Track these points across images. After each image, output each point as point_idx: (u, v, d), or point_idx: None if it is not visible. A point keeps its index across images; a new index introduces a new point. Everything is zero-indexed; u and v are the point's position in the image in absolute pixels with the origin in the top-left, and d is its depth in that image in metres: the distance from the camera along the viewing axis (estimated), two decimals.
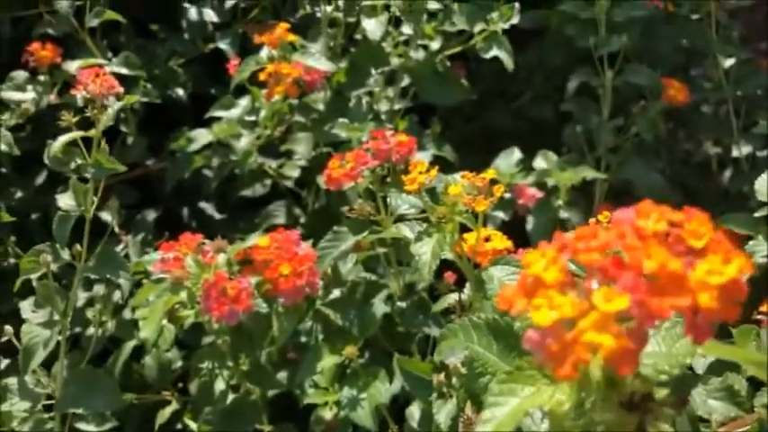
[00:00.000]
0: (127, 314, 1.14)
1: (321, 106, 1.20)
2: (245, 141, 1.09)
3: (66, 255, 0.80)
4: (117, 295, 1.14)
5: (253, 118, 1.13)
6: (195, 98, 1.59)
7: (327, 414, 0.84)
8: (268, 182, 1.27)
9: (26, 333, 0.77)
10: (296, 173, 1.22)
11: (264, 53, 1.00)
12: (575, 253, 0.32)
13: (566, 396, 0.33)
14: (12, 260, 1.27)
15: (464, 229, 0.71)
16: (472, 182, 0.63)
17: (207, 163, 1.34)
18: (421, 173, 0.66)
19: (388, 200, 0.81)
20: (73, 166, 0.80)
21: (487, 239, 0.69)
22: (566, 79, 1.34)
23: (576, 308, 0.30)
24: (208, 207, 1.55)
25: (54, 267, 0.81)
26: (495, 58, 1.19)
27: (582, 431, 0.32)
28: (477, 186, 0.62)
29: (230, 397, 0.86)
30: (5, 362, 1.18)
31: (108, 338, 1.14)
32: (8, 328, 0.82)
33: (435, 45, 1.22)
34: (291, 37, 0.98)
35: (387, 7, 1.13)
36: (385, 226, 0.78)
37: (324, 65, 0.98)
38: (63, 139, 0.79)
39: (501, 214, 1.05)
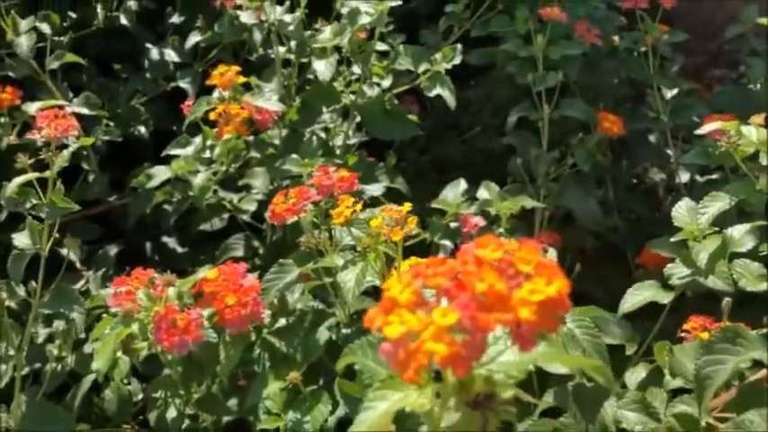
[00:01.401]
0: (87, 348, 1.16)
1: (277, 142, 1.26)
2: (201, 177, 1.14)
3: (21, 291, 0.83)
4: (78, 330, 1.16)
5: (207, 155, 1.18)
6: (157, 135, 1.63)
7: None
8: (225, 216, 1.31)
9: None
10: (253, 206, 1.27)
11: (216, 94, 1.05)
12: (425, 278, 0.38)
13: (427, 399, 0.39)
14: None
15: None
16: (390, 214, 0.68)
17: (167, 198, 1.38)
18: (348, 207, 0.72)
19: (333, 232, 0.86)
20: (28, 206, 0.83)
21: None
22: (509, 112, 1.42)
23: (421, 323, 0.36)
24: (170, 241, 1.59)
25: (11, 304, 0.84)
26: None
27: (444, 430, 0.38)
28: (395, 218, 0.68)
29: (185, 424, 0.89)
30: None
31: (68, 373, 1.17)
32: None
33: (386, 83, 1.28)
34: (241, 79, 1.04)
35: (337, 49, 1.19)
36: (329, 257, 0.83)
37: (273, 105, 1.03)
38: (18, 180, 0.82)
39: (448, 243, 1.11)
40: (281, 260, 0.84)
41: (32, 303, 0.86)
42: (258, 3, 1.43)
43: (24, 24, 1.24)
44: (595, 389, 0.69)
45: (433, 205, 1.16)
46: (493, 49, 1.45)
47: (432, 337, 0.35)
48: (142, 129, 1.58)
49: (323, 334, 0.83)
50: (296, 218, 0.81)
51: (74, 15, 1.60)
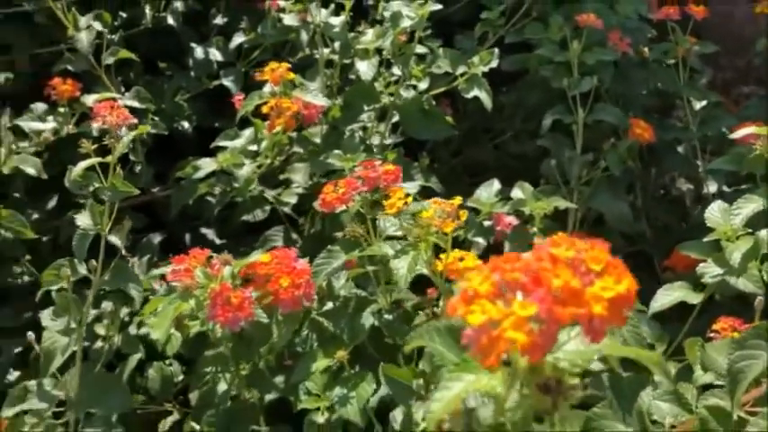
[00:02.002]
0: (132, 330, 1.22)
1: (318, 139, 1.31)
2: (246, 170, 1.19)
3: (83, 269, 0.88)
4: (123, 312, 1.22)
5: (254, 148, 1.23)
6: (198, 130, 1.70)
7: (319, 418, 0.92)
8: (267, 208, 1.36)
9: (46, 339, 0.85)
10: (294, 199, 1.32)
11: (267, 89, 1.11)
12: (502, 272, 0.42)
13: (498, 382, 0.43)
14: (26, 278, 1.36)
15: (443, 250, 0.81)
16: (442, 207, 0.72)
17: (209, 190, 1.44)
18: (400, 199, 0.76)
19: (378, 222, 0.90)
20: (91, 189, 0.89)
21: (461, 259, 0.78)
22: (541, 117, 1.46)
23: (500, 312, 0.40)
24: (209, 232, 1.64)
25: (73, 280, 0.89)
26: (478, 98, 1.31)
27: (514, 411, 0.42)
28: (446, 211, 0.72)
29: (228, 403, 0.94)
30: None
31: (114, 353, 1.22)
32: (30, 335, 0.90)
33: (423, 85, 1.33)
34: (291, 75, 1.09)
35: (379, 51, 1.24)
36: (376, 246, 0.88)
37: (320, 100, 1.08)
38: (83, 164, 0.88)
39: (481, 240, 1.15)
40: (329, 246, 0.88)
41: (93, 281, 0.91)
42: (301, 6, 1.50)
43: (83, 21, 1.31)
44: (632, 379, 0.72)
45: (468, 204, 1.20)
46: (526, 54, 1.49)
47: (512, 326, 0.39)
48: (185, 124, 1.65)
49: (367, 318, 0.87)
50: (344, 206, 0.86)
51: (124, 15, 1.68)
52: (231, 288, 0.82)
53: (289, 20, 1.49)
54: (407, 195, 0.78)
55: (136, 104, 1.38)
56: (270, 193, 1.41)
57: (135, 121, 0.92)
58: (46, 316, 0.92)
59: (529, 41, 1.51)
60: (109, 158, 0.89)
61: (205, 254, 0.88)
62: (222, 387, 0.89)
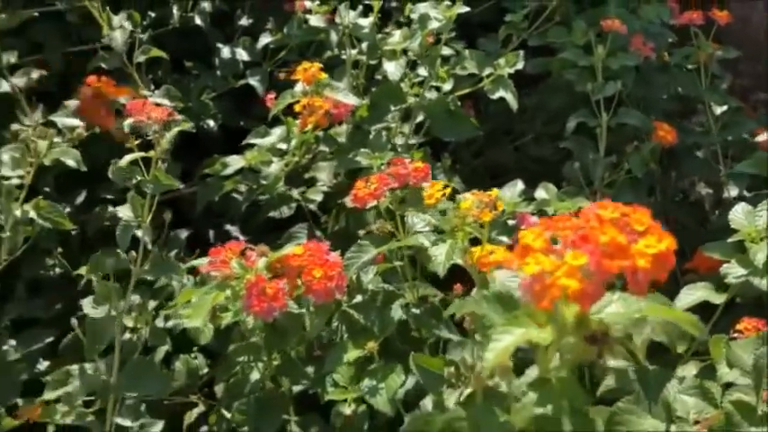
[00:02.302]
0: (159, 323, 1.25)
1: (342, 138, 1.33)
2: (275, 167, 1.22)
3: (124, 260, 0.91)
4: (151, 305, 1.25)
5: (283, 146, 1.26)
6: (223, 129, 1.73)
7: (346, 410, 0.94)
8: (293, 205, 1.39)
9: (90, 325, 0.87)
10: (319, 197, 1.34)
11: (299, 88, 1.13)
12: (554, 230, 0.45)
13: (547, 334, 0.46)
14: (57, 270, 1.39)
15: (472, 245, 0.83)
16: (480, 198, 0.75)
17: (235, 187, 1.47)
18: (438, 191, 0.79)
19: (406, 218, 0.93)
20: (133, 181, 0.92)
21: (491, 253, 0.81)
22: (564, 121, 1.48)
23: (553, 264, 0.43)
24: (233, 229, 1.67)
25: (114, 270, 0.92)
26: (501, 100, 1.33)
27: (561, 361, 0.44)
28: (484, 202, 0.74)
29: (257, 393, 0.96)
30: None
31: (142, 345, 1.25)
32: (74, 321, 0.93)
33: (447, 86, 1.35)
34: (323, 75, 1.12)
35: (405, 51, 1.27)
36: (412, 238, 0.91)
37: (351, 99, 1.11)
38: (128, 158, 0.91)
39: (505, 239, 1.16)
40: (359, 241, 0.91)
41: (133, 270, 0.94)
42: (327, 7, 1.53)
43: (117, 20, 1.34)
44: (658, 372, 0.74)
45: (489, 194, 1.22)
46: (549, 58, 1.51)
47: (565, 274, 0.43)
48: (211, 122, 1.68)
49: (396, 311, 0.89)
50: (375, 202, 0.88)
51: (152, 15, 1.71)
52: (266, 279, 0.84)
53: (315, 21, 1.52)
54: (446, 187, 0.80)
55: (166, 102, 1.41)
56: (294, 191, 1.43)
57: (180, 118, 0.95)
58: (87, 303, 0.94)
59: (551, 45, 1.53)
60: (152, 153, 0.92)
61: (240, 246, 0.90)
62: (255, 376, 0.91)
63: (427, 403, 0.81)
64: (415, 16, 1.23)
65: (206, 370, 1.27)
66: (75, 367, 0.95)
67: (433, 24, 1.19)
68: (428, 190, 0.81)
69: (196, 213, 1.54)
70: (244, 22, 1.80)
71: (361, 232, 1.34)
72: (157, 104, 1.24)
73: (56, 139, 1.34)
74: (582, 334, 0.46)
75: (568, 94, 1.53)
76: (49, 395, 0.93)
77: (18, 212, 0.96)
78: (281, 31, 1.64)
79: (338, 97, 1.10)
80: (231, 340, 1.12)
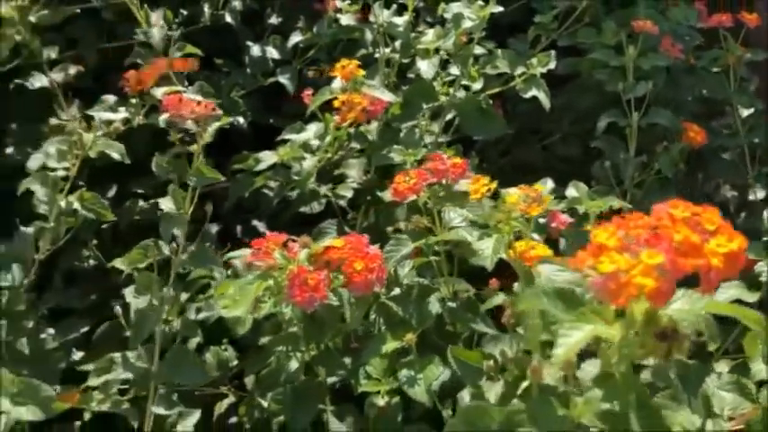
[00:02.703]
0: (191, 315, 1.27)
1: (372, 136, 1.35)
2: (309, 163, 1.24)
3: (166, 250, 0.94)
4: (183, 297, 1.28)
5: (315, 142, 1.28)
6: (253, 126, 1.75)
7: (380, 401, 0.95)
8: (323, 200, 1.41)
9: (135, 313, 0.90)
10: (350, 193, 1.36)
11: (337, 84, 1.15)
12: (626, 229, 0.46)
13: (616, 331, 0.47)
14: (91, 261, 1.42)
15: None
16: (527, 192, 0.76)
17: (265, 183, 1.49)
18: (483, 185, 0.80)
19: (443, 213, 0.94)
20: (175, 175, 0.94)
21: (532, 248, 0.82)
22: (592, 120, 1.48)
23: (627, 263, 0.45)
24: (260, 225, 1.69)
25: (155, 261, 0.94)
26: (530, 100, 1.34)
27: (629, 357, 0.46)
28: (531, 196, 0.76)
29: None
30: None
31: (173, 336, 1.28)
32: (117, 309, 0.95)
33: (477, 86, 1.36)
34: (361, 72, 1.13)
35: (437, 50, 1.28)
36: (451, 231, 0.92)
37: (387, 96, 1.13)
38: (172, 151, 0.93)
39: (537, 236, 1.17)
40: (396, 235, 0.92)
41: (173, 261, 0.96)
42: (357, 6, 1.55)
43: (155, 17, 1.37)
44: (698, 367, 0.75)
45: (536, 188, 1.23)
46: (578, 58, 1.52)
47: (641, 273, 0.44)
48: (240, 119, 1.70)
49: (434, 305, 0.91)
50: (415, 196, 0.90)
51: (184, 13, 1.74)
52: (308, 270, 0.86)
53: (345, 20, 1.54)
54: (491, 182, 0.82)
55: (199, 98, 1.43)
56: (323, 188, 1.45)
57: (221, 113, 0.97)
58: (129, 292, 0.97)
59: (578, 46, 1.54)
60: (194, 147, 0.94)
61: (282, 237, 0.92)
62: (292, 366, 0.93)
63: (464, 396, 0.82)
64: (448, 15, 1.25)
65: (235, 362, 1.29)
66: (117, 355, 0.97)
67: (467, 24, 1.21)
68: (473, 185, 0.82)
69: (225, 209, 1.57)
70: (273, 20, 1.82)
71: (392, 228, 1.36)
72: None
73: (98, 133, 1.37)
74: (651, 331, 0.47)
75: (597, 94, 1.53)
76: (93, 382, 0.96)
77: (63, 203, 0.99)
78: (310, 29, 1.67)
79: (376, 94, 1.11)
80: (261, 332, 1.14)
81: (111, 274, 1.42)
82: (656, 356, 0.47)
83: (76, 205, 1.00)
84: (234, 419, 1.30)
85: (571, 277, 0.66)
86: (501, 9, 1.25)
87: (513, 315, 0.74)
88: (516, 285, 0.79)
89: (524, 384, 0.62)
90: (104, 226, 1.60)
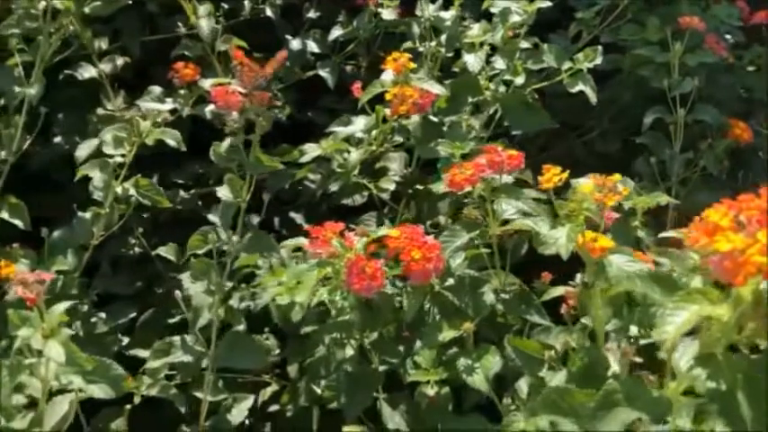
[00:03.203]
0: (234, 302, 1.29)
1: (414, 129, 1.36)
2: (355, 156, 1.25)
3: (224, 236, 0.95)
4: (228, 285, 1.29)
5: (361, 135, 1.29)
6: (290, 119, 1.77)
7: (430, 391, 0.96)
8: (366, 193, 1.42)
9: (195, 298, 0.91)
10: (392, 186, 1.37)
11: (388, 77, 1.16)
12: (738, 210, 0.47)
13: (723, 311, 0.48)
14: (137, 249, 1.45)
15: None
16: (602, 182, 0.77)
17: (305, 176, 1.50)
18: (555, 175, 0.81)
19: (495, 205, 0.95)
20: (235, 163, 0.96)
21: (595, 240, 0.82)
22: (631, 116, 1.48)
23: (744, 242, 0.46)
24: (297, 216, 1.71)
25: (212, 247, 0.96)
26: (568, 95, 1.34)
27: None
28: (606, 186, 0.76)
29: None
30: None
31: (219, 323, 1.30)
32: (177, 293, 0.97)
33: (519, 80, 1.37)
34: (412, 65, 1.14)
35: (482, 44, 1.29)
36: (492, 227, 0.93)
37: (437, 89, 1.14)
38: (230, 140, 0.95)
39: None
40: (451, 226, 0.93)
41: (231, 247, 0.98)
42: (397, 1, 1.56)
43: (202, 10, 1.39)
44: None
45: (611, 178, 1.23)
46: (620, 55, 1.52)
47: (758, 252, 0.45)
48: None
49: (488, 295, 0.92)
50: (471, 187, 0.91)
51: (225, 6, 1.76)
52: (365, 259, 0.87)
53: (387, 14, 1.55)
54: (562, 172, 0.82)
55: (242, 90, 1.45)
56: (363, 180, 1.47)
57: (279, 103, 0.98)
58: (186, 278, 0.98)
59: (618, 42, 1.54)
60: (252, 136, 0.96)
61: (339, 226, 0.93)
62: (347, 353, 0.94)
63: (522, 385, 0.83)
64: (495, 10, 1.25)
65: (277, 351, 1.31)
66: (176, 339, 0.99)
67: (515, 18, 1.21)
68: (545, 174, 0.83)
69: (263, 200, 1.58)
70: (312, 14, 1.84)
71: (430, 222, 1.37)
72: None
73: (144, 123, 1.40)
74: (760, 311, 0.49)
75: (637, 91, 1.53)
76: (152, 364, 0.98)
77: (119, 189, 1.01)
78: (350, 24, 1.68)
79: (425, 86, 1.12)
80: (304, 321, 1.16)
81: (154, 261, 1.45)
82: (764, 336, 0.48)
83: (132, 191, 1.02)
84: (273, 408, 1.32)
85: (644, 268, 0.67)
86: (548, 4, 1.25)
87: (577, 306, 0.74)
88: (579, 277, 0.80)
89: (614, 367, 0.63)
90: (145, 215, 1.64)
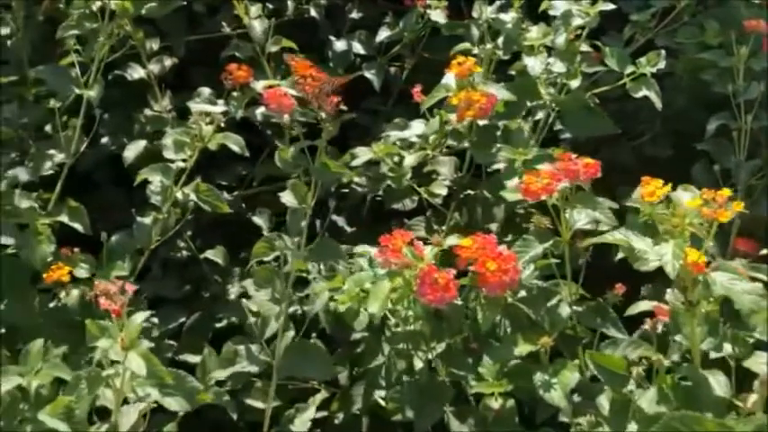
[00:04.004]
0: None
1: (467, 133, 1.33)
2: (410, 159, 1.23)
3: (290, 243, 0.93)
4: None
5: (414, 139, 1.27)
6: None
7: (494, 403, 0.94)
8: (416, 198, 1.40)
9: (262, 306, 0.90)
10: (444, 191, 1.35)
11: (451, 81, 1.14)
12: None
13: None
14: (184, 253, 1.43)
15: None
16: (712, 196, 0.74)
17: (350, 179, 1.48)
18: (659, 188, 0.78)
19: (567, 214, 0.92)
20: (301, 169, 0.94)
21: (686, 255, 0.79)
22: (686, 121, 1.44)
23: None
24: (339, 220, 1.69)
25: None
26: (619, 98, 1.30)
27: None
28: (717, 201, 0.73)
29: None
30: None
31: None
32: (244, 302, 0.95)
33: (574, 83, 1.34)
34: (478, 68, 1.12)
35: (541, 47, 1.26)
36: (564, 236, 0.90)
37: (503, 94, 1.11)
38: (297, 145, 0.93)
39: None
40: (524, 236, 0.91)
41: (295, 254, 0.96)
42: (445, 2, 1.53)
43: (254, 11, 1.37)
44: None
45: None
46: (676, 59, 1.48)
47: None
48: (323, 115, 1.69)
49: (564, 308, 0.89)
50: (548, 196, 0.88)
51: (270, 6, 1.74)
52: (437, 269, 0.85)
53: (435, 15, 1.53)
54: (665, 185, 0.80)
55: (293, 92, 1.44)
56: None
57: (345, 108, 0.96)
58: (249, 285, 0.97)
59: (671, 45, 1.50)
60: (318, 142, 0.94)
61: (409, 235, 0.91)
62: (418, 364, 0.92)
63: (603, 401, 0.80)
64: (554, 12, 1.23)
65: None
66: (241, 347, 0.97)
67: (577, 21, 1.18)
68: (646, 187, 0.80)
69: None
70: (354, 14, 1.81)
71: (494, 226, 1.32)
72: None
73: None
74: None
75: (692, 95, 1.50)
76: (217, 374, 0.96)
77: (179, 194, 0.99)
78: (396, 25, 1.65)
79: (493, 91, 1.10)
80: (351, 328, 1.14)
81: (201, 265, 1.43)
82: None
83: (192, 196, 1.00)
84: (321, 414, 1.30)
85: (749, 287, 0.64)
86: (611, 6, 1.22)
87: (669, 322, 0.71)
88: (669, 293, 0.77)
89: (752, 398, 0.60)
90: (189, 217, 1.63)
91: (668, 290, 0.77)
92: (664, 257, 0.69)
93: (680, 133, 1.59)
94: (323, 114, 0.95)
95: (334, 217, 1.71)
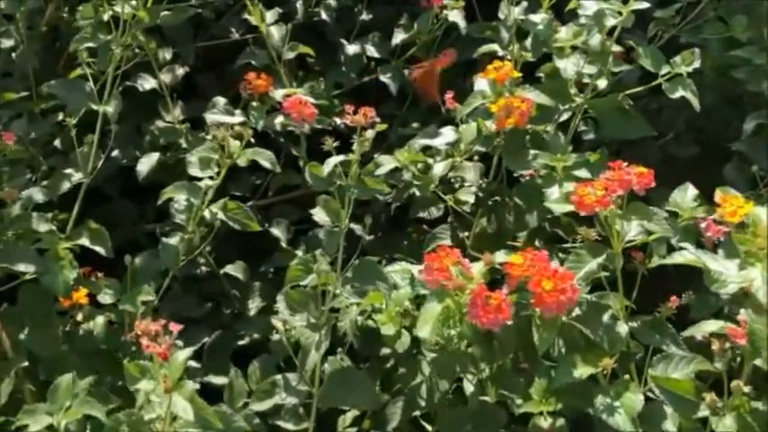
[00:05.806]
0: None
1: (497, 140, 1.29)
2: (439, 167, 1.18)
3: (325, 265, 0.89)
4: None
5: (442, 146, 1.23)
6: (346, 126, 1.70)
7: (543, 423, 0.90)
8: (441, 206, 1.35)
9: (301, 334, 0.85)
10: (471, 198, 1.31)
11: (485, 87, 1.09)
12: None
13: None
14: (203, 269, 1.38)
15: None
16: None
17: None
18: (740, 207, 0.73)
19: (620, 226, 0.88)
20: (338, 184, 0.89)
21: None
22: (712, 120, 1.40)
23: None
24: (357, 228, 1.65)
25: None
26: (642, 97, 1.26)
27: None
28: None
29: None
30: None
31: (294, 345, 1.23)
32: (279, 326, 0.90)
33: (602, 84, 1.29)
34: (516, 74, 1.08)
35: (573, 48, 1.22)
36: (615, 248, 0.86)
37: (543, 99, 1.07)
38: (332, 161, 0.88)
39: (690, 246, 1.10)
40: (575, 250, 0.86)
41: (334, 276, 0.91)
42: (462, 2, 1.49)
43: (270, 16, 1.32)
44: None
45: (667, 208, 1.16)
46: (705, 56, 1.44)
47: None
48: (338, 120, 1.65)
49: (622, 327, 0.85)
50: (602, 209, 0.84)
51: (280, 11, 1.69)
52: (487, 288, 0.81)
53: (453, 16, 1.48)
54: (747, 203, 0.75)
55: (311, 100, 1.39)
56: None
57: (378, 120, 0.92)
58: (283, 309, 0.92)
59: (694, 42, 1.46)
60: (351, 156, 0.89)
61: (456, 253, 0.87)
62: (469, 388, 0.88)
63: (670, 427, 0.76)
64: (584, 12, 1.18)
65: None
66: (279, 377, 0.93)
67: (610, 21, 1.14)
68: (726, 206, 0.76)
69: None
70: (364, 16, 1.76)
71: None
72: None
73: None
74: None
75: (720, 93, 1.46)
76: (256, 406, 0.91)
77: (207, 213, 0.94)
78: (411, 27, 1.61)
79: (532, 96, 1.05)
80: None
81: (222, 283, 1.39)
82: None
83: (221, 215, 0.96)
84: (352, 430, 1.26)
85: None
86: (646, 5, 1.18)
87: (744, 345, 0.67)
88: (743, 312, 0.73)
89: None
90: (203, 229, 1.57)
91: (742, 310, 0.73)
92: (754, 283, 0.65)
93: (704, 131, 1.55)
94: (361, 122, 0.90)
95: (353, 225, 1.67)
